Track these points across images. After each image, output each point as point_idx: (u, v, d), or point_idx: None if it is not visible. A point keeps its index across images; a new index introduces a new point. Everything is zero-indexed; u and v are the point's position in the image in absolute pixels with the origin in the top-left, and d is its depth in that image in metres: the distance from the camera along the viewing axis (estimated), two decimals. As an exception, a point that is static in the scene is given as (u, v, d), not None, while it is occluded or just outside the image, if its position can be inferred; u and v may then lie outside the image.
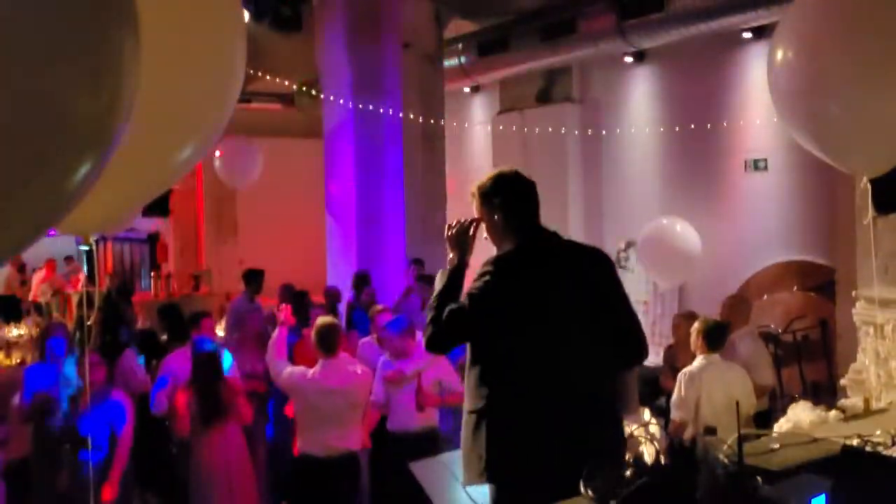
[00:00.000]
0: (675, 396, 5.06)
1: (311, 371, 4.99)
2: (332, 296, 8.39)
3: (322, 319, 5.20)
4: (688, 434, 5.03)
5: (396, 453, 5.05)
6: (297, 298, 7.88)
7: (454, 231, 3.10)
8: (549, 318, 2.87)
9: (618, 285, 3.04)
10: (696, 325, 5.31)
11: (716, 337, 5.24)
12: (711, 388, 5.02)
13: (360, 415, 5.16)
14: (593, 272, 2.99)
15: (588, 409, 2.83)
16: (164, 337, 6.87)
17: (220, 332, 8.72)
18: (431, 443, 5.29)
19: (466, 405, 2.95)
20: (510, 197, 3.02)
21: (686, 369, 5.09)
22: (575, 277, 2.95)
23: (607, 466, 2.24)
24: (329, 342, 5.00)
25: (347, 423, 5.02)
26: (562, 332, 2.87)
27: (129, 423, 5.22)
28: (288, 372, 5.06)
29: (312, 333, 5.11)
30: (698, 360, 5.14)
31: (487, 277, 2.90)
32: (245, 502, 5.47)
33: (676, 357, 6.25)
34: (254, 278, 8.71)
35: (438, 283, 3.04)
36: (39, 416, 5.23)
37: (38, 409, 5.24)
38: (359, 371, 5.14)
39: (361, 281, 8.88)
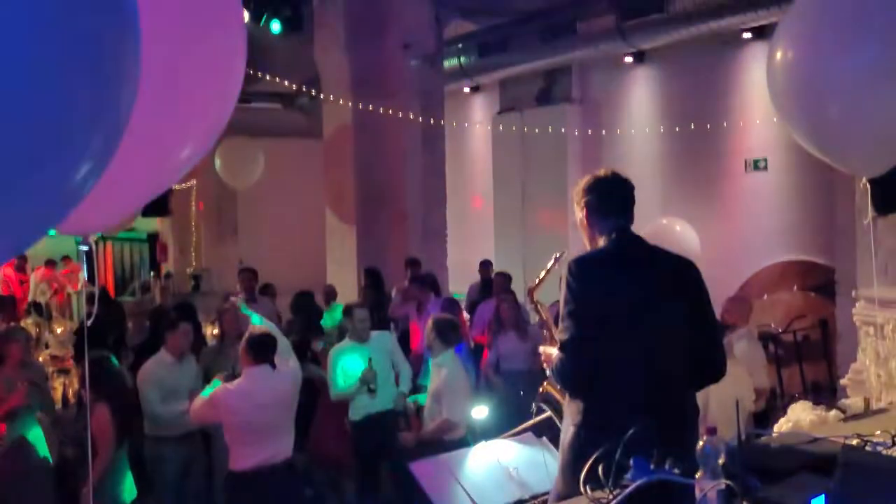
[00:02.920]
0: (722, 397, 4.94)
1: (234, 384, 4.64)
2: (329, 294, 8.39)
3: (258, 327, 4.84)
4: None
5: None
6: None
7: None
8: (634, 325, 2.79)
9: (706, 297, 2.95)
10: None
11: None
12: (721, 386, 5.01)
13: (292, 418, 4.84)
14: (683, 283, 2.91)
15: (677, 421, 2.75)
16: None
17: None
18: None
19: (568, 418, 2.89)
20: (597, 197, 2.97)
21: None
22: (663, 286, 2.87)
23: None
24: (263, 350, 4.65)
25: (282, 431, 4.73)
26: (647, 339, 2.78)
27: (107, 427, 5.14)
28: (212, 393, 4.68)
29: (243, 342, 4.74)
30: None
31: (569, 288, 2.80)
32: None
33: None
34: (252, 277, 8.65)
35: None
36: None
37: None
38: (284, 371, 4.78)
39: (375, 278, 8.82)
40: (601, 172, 3.07)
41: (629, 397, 2.74)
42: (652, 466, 2.23)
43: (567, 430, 2.87)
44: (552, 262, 3.17)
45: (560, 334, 2.84)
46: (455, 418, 5.29)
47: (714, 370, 3.01)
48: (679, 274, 2.94)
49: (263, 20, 10.46)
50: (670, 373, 2.80)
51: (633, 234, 2.99)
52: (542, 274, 3.34)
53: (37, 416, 5.33)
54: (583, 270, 2.83)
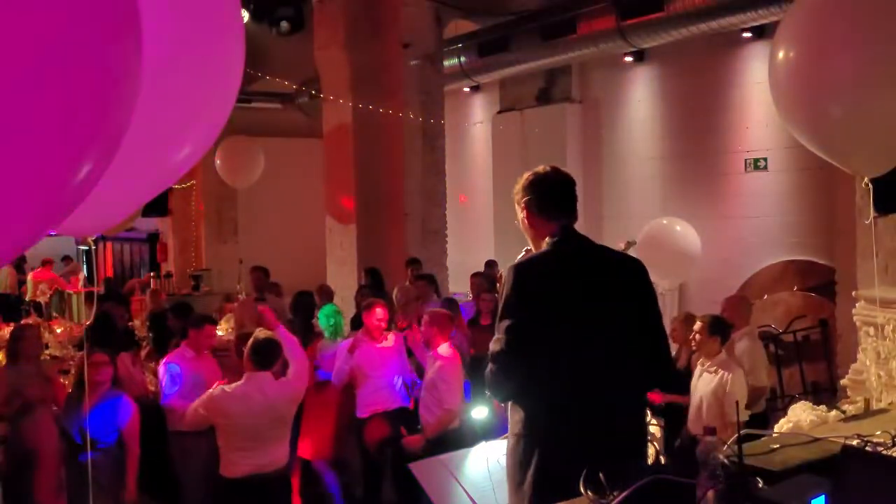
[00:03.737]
0: (738, 398, 4.92)
1: (232, 387, 4.64)
2: (326, 294, 8.37)
3: (262, 332, 4.83)
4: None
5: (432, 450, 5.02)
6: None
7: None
8: (576, 333, 2.69)
9: (653, 298, 2.85)
10: (698, 324, 5.30)
11: (725, 331, 5.26)
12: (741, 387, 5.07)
13: (289, 429, 4.85)
14: (630, 286, 2.80)
15: (617, 427, 2.69)
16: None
17: (220, 332, 8.71)
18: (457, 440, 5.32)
19: (509, 428, 2.82)
20: (539, 196, 2.86)
21: (729, 374, 5.06)
22: (609, 290, 2.76)
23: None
24: (266, 357, 4.64)
25: (277, 441, 4.73)
26: (590, 347, 2.68)
27: (136, 423, 5.22)
28: (208, 394, 4.71)
29: (247, 346, 4.71)
30: (731, 361, 5.12)
31: (506, 298, 2.69)
32: None
33: (677, 359, 6.25)
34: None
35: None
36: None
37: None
38: (284, 380, 4.79)
39: (375, 278, 8.83)
40: (540, 169, 2.92)
41: (571, 406, 2.66)
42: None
43: (509, 440, 2.80)
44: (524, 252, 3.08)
45: (493, 344, 2.73)
46: (452, 406, 5.37)
47: (658, 374, 2.92)
48: (626, 276, 2.83)
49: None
50: (615, 380, 2.70)
51: (578, 234, 2.86)
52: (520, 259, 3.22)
53: (52, 410, 5.40)
54: (522, 277, 2.71)
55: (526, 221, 2.91)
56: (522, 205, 2.90)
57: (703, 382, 5.19)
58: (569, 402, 2.68)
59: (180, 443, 5.61)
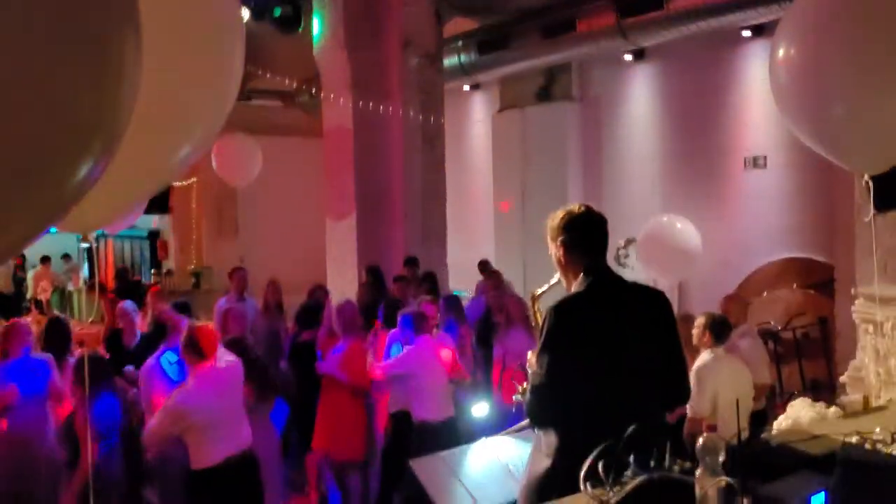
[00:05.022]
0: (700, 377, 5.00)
1: (189, 386, 4.67)
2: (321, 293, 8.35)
3: (192, 323, 4.84)
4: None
5: (420, 444, 5.07)
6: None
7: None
8: (612, 367, 2.90)
9: (675, 331, 3.08)
10: (699, 320, 5.34)
11: (721, 330, 5.27)
12: (724, 383, 5.05)
13: (244, 410, 4.94)
14: (655, 317, 3.04)
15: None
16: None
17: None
18: (452, 433, 5.39)
19: (541, 447, 2.98)
20: (574, 236, 3.05)
21: (698, 364, 5.09)
22: (638, 323, 2.99)
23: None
24: (203, 347, 4.67)
25: (240, 421, 4.81)
26: (623, 378, 2.89)
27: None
28: (167, 411, 4.65)
29: (184, 342, 4.75)
30: (707, 355, 5.14)
31: (548, 334, 2.89)
32: None
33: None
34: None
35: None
36: None
37: None
38: (226, 364, 4.81)
39: (376, 276, 8.85)
40: (575, 209, 3.12)
41: (604, 436, 2.69)
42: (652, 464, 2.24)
43: (539, 462, 2.94)
44: (556, 279, 3.21)
45: (533, 378, 2.94)
46: (376, 372, 5.82)
47: (679, 395, 3.16)
48: (651, 309, 3.06)
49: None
50: (645, 406, 2.88)
51: (608, 272, 3.07)
52: (546, 287, 3.33)
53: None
54: (562, 318, 2.91)
55: (562, 259, 3.08)
56: (558, 243, 3.08)
57: None
58: (603, 429, 2.74)
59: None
